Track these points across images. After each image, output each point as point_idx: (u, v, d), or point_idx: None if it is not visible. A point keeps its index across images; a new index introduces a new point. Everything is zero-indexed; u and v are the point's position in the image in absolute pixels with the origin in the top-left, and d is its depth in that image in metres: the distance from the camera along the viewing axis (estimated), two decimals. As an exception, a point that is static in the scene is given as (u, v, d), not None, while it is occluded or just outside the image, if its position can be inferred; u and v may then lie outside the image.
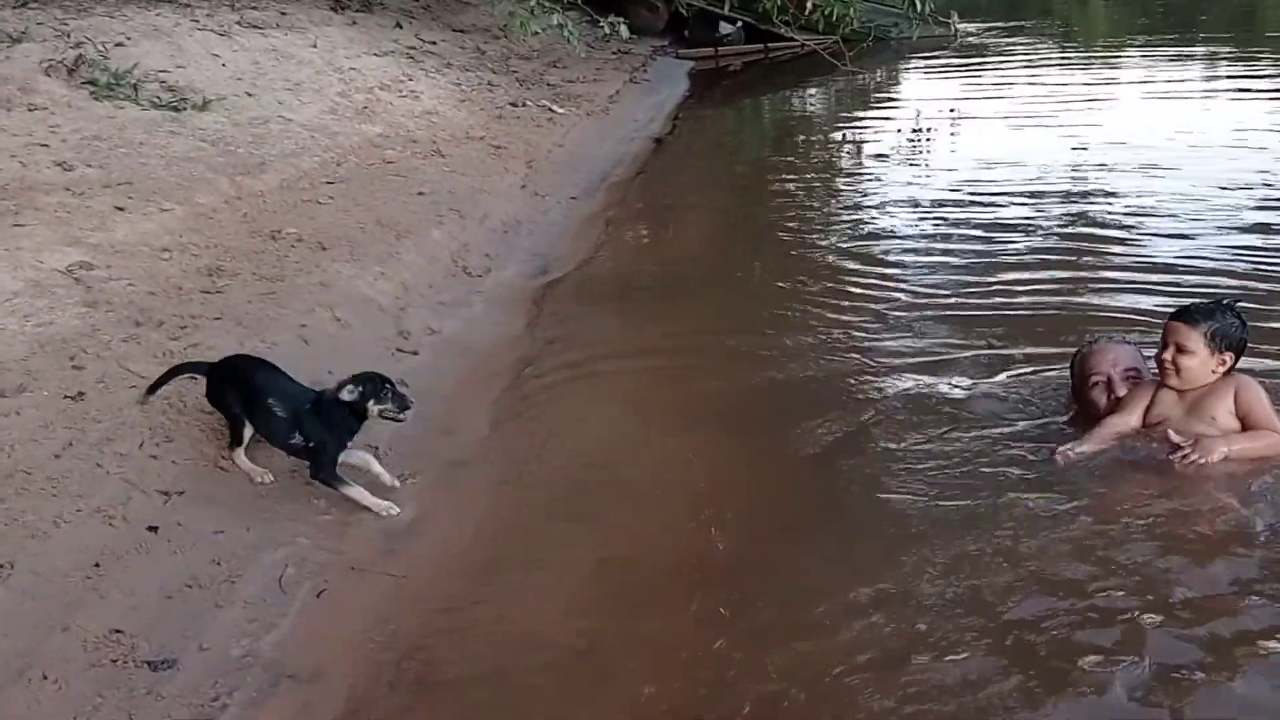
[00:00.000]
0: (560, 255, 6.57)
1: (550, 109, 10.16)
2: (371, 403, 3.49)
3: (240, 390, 3.56)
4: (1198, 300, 3.74)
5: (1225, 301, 3.61)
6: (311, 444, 3.49)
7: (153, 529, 3.16)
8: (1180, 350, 3.49)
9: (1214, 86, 11.91)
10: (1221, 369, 3.49)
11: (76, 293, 4.42)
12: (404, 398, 3.57)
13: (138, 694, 2.63)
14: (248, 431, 3.56)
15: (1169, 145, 8.40)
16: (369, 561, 3.30)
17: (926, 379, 4.33)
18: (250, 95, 7.92)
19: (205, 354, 4.13)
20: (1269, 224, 6.13)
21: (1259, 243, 5.79)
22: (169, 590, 2.98)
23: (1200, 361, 3.48)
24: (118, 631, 2.78)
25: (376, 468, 3.64)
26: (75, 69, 6.99)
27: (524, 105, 10.13)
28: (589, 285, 6.05)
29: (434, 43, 11.67)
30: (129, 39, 7.72)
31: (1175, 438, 3.39)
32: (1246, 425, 3.42)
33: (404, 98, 9.21)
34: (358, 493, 3.49)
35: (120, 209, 5.33)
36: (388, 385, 3.54)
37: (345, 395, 3.47)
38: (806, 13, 13.62)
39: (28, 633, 2.69)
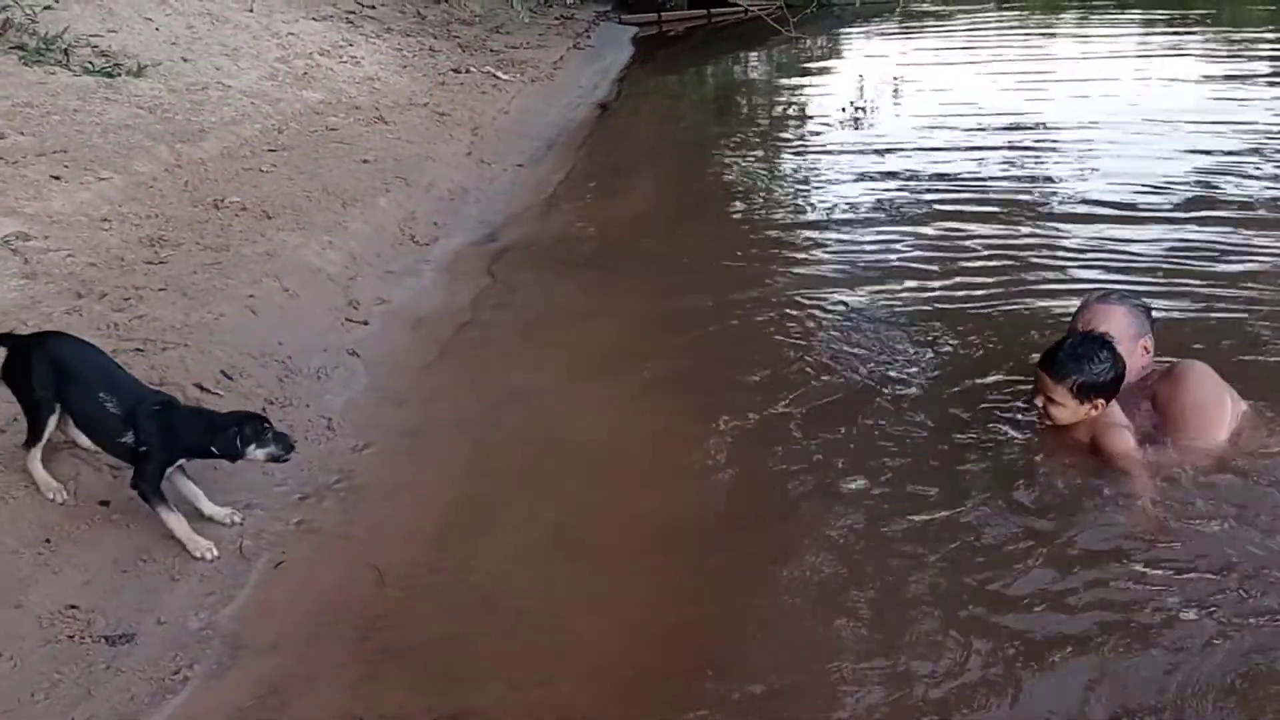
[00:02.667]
0: (508, 223, 6.53)
1: (494, 75, 10.06)
2: (252, 447, 3.05)
3: (60, 374, 3.03)
4: (1068, 342, 3.48)
5: (1097, 336, 3.42)
6: (144, 449, 2.99)
7: (104, 503, 3.12)
8: (1049, 400, 3.42)
9: (1149, 51, 12.10)
10: (1095, 412, 3.40)
11: (14, 264, 4.32)
12: (286, 438, 3.14)
13: (96, 669, 2.61)
14: (51, 424, 3.08)
15: (1106, 109, 8.53)
16: (326, 531, 3.28)
17: (868, 339, 4.43)
18: (186, 61, 7.74)
19: (150, 326, 4.08)
20: (1208, 196, 6.23)
21: (1200, 215, 5.86)
22: (123, 564, 2.95)
23: (1071, 411, 3.39)
24: (73, 607, 2.75)
25: (207, 506, 3.21)
26: (2, 33, 6.78)
27: (467, 71, 10.01)
28: (538, 253, 6.02)
29: (373, 7, 11.48)
30: (58, 2, 7.49)
31: None
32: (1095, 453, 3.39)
33: (344, 63, 9.06)
34: (176, 520, 3.02)
35: (56, 178, 5.19)
36: (267, 426, 3.10)
37: (220, 445, 3.03)
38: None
39: (-20, 610, 2.65)
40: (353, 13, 10.93)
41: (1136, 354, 3.53)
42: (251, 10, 9.36)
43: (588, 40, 13.45)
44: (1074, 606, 2.81)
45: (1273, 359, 4.05)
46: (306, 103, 7.68)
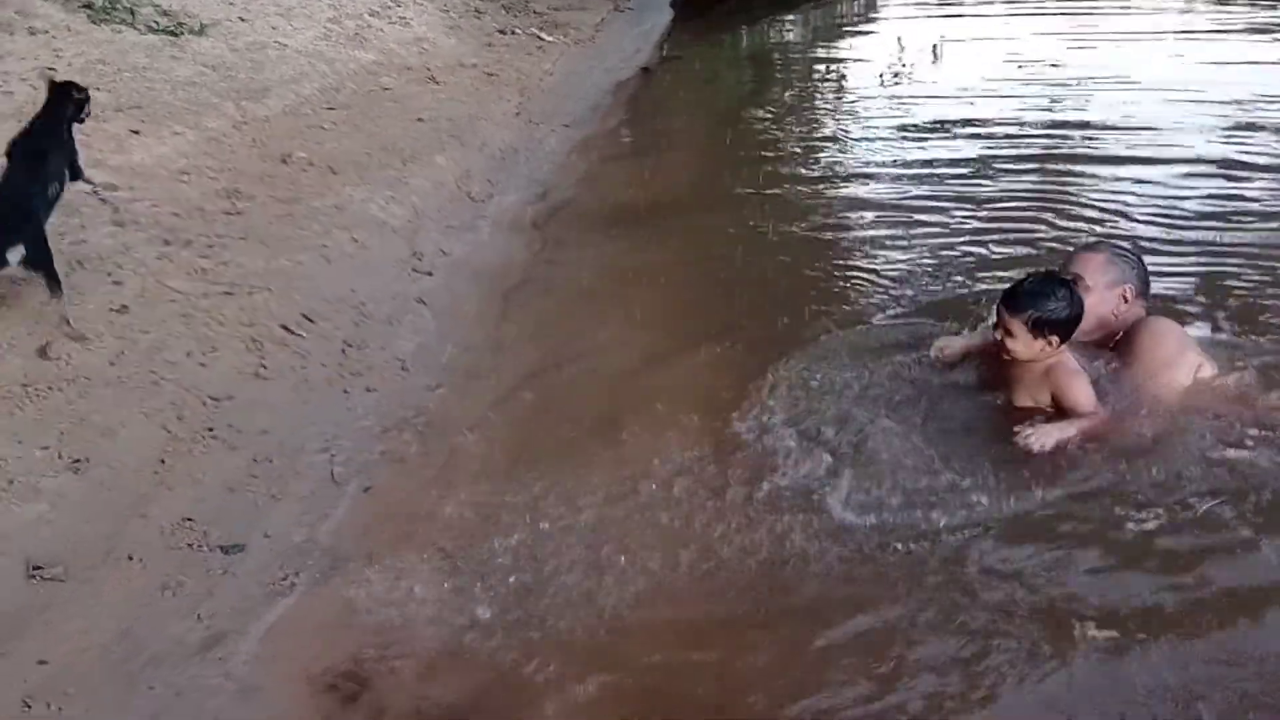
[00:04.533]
0: (558, 182, 6.74)
1: (539, 37, 10.24)
2: None
3: None
4: (1031, 275, 3.60)
5: (1051, 274, 3.53)
6: None
7: (209, 430, 3.40)
8: (1006, 333, 3.48)
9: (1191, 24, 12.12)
10: (1047, 349, 3.45)
11: (105, 213, 4.59)
12: None
13: (214, 573, 2.90)
14: None
15: (1148, 81, 8.62)
16: (408, 460, 3.56)
17: (919, 294, 4.64)
18: (244, 20, 7.97)
19: (235, 271, 4.35)
20: (1239, 162, 6.37)
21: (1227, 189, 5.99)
22: (230, 484, 3.24)
23: (1024, 344, 3.45)
24: (189, 520, 3.04)
25: None
26: (70, -9, 7.04)
27: (513, 33, 10.20)
28: (588, 211, 6.24)
29: (419, -32, 11.66)
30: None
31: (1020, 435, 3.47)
32: (1058, 407, 3.48)
33: (394, 24, 9.26)
34: None
35: (135, 132, 5.47)
36: None
37: None
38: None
39: (110, 519, 2.95)
40: (399, -26, 11.12)
41: (1111, 300, 3.66)
42: (302, -29, 9.57)
43: (627, 3, 13.55)
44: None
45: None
46: (360, 62, 7.91)
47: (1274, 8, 11.66)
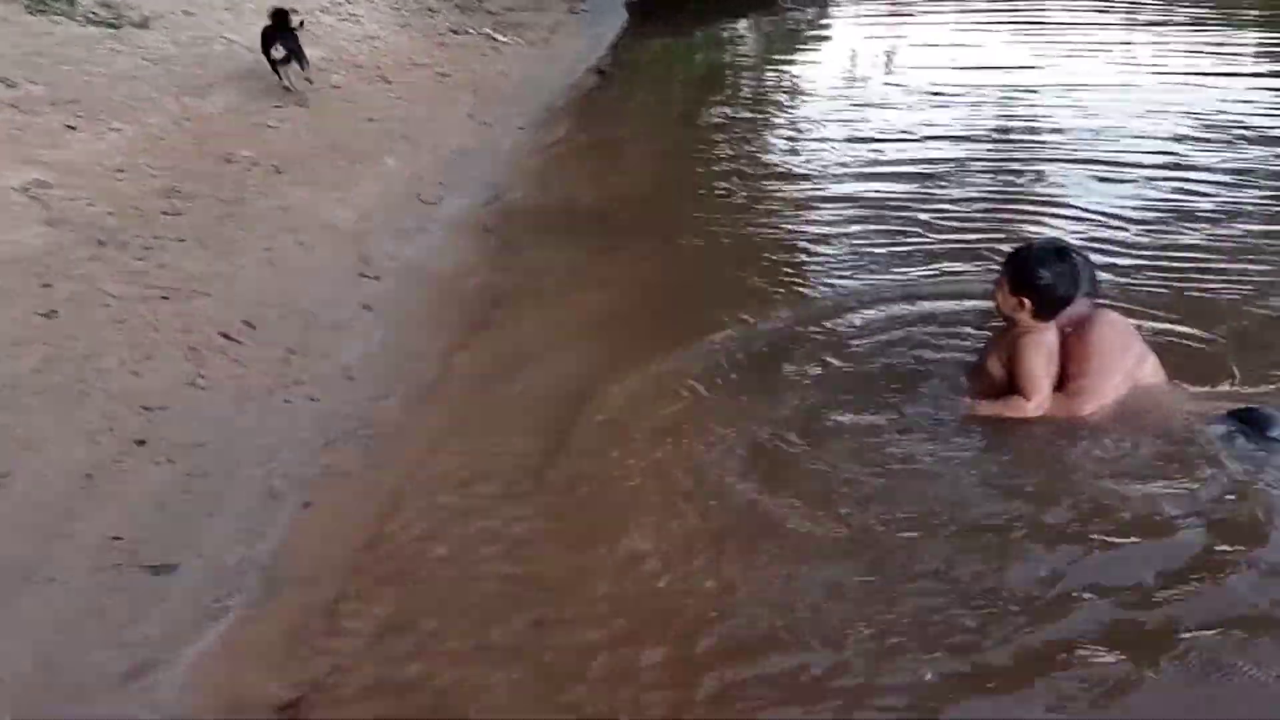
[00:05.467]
0: (511, 184, 6.61)
1: (492, 37, 10.11)
2: None
3: None
4: (1048, 241, 3.75)
5: (1063, 249, 3.57)
6: None
7: (140, 442, 3.24)
8: (998, 283, 3.56)
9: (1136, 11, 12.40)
10: (1021, 312, 3.50)
11: (36, 212, 4.42)
12: None
13: (142, 596, 2.74)
14: None
15: (1096, 85, 8.71)
16: (352, 475, 3.42)
17: (859, 311, 4.51)
18: (189, 14, 7.78)
19: (173, 275, 4.18)
20: (1185, 171, 6.43)
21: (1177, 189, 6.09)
22: (162, 500, 3.09)
23: (1003, 297, 3.52)
24: (117, 539, 2.88)
25: None
26: (7, -20, 6.80)
27: (466, 33, 10.06)
28: (541, 216, 6.12)
29: (371, -35, 11.47)
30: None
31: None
32: (1010, 379, 3.53)
33: (345, 21, 9.09)
34: None
35: (71, 127, 5.29)
36: None
37: None
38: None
39: (32, 539, 2.79)
40: (350, -30, 10.92)
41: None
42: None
43: (582, 4, 13.44)
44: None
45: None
46: (310, 59, 7.71)
47: (1203, 28, 11.89)
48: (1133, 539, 2.95)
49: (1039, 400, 3.49)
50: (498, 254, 5.47)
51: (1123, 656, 2.55)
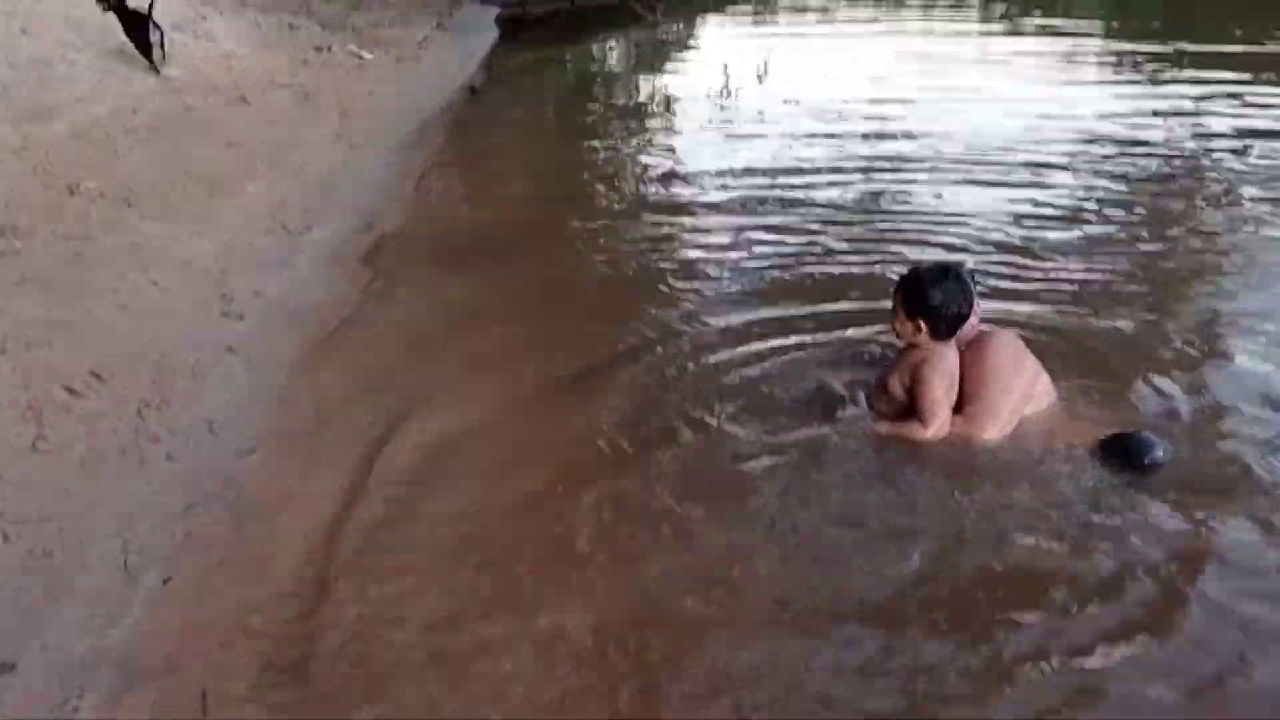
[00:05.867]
0: (383, 210, 6.33)
1: (358, 55, 9.76)
2: None
3: None
4: (929, 264, 3.83)
5: (949, 268, 3.62)
6: None
7: (-29, 521, 2.89)
8: (893, 311, 3.61)
9: (991, 23, 12.85)
10: (920, 335, 3.55)
11: None
12: None
13: (-26, 703, 2.42)
14: None
15: (956, 98, 8.91)
16: (216, 543, 3.13)
17: (747, 333, 4.45)
18: (25, 34, 7.25)
19: (9, 323, 3.81)
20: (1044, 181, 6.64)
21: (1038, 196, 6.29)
22: (-3, 587, 2.75)
23: (900, 324, 3.59)
24: (-57, 636, 2.55)
25: None
26: None
27: (330, 50, 9.69)
28: (416, 242, 5.87)
29: (227, -21, 10.98)
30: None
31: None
32: (910, 402, 3.55)
33: (199, 39, 8.65)
34: None
35: (-111, 161, 4.81)
36: None
37: None
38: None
39: None
40: (205, -16, 10.43)
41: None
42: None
43: (450, 20, 13.18)
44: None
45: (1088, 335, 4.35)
46: (161, 80, 7.29)
47: (1063, 36, 12.37)
48: (1018, 570, 2.96)
49: (936, 426, 3.49)
50: (372, 285, 5.19)
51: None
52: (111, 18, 7.73)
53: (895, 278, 3.90)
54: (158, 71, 7.46)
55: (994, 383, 3.53)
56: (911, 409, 3.53)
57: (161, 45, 7.56)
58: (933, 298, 3.49)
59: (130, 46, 7.48)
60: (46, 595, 2.78)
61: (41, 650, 2.61)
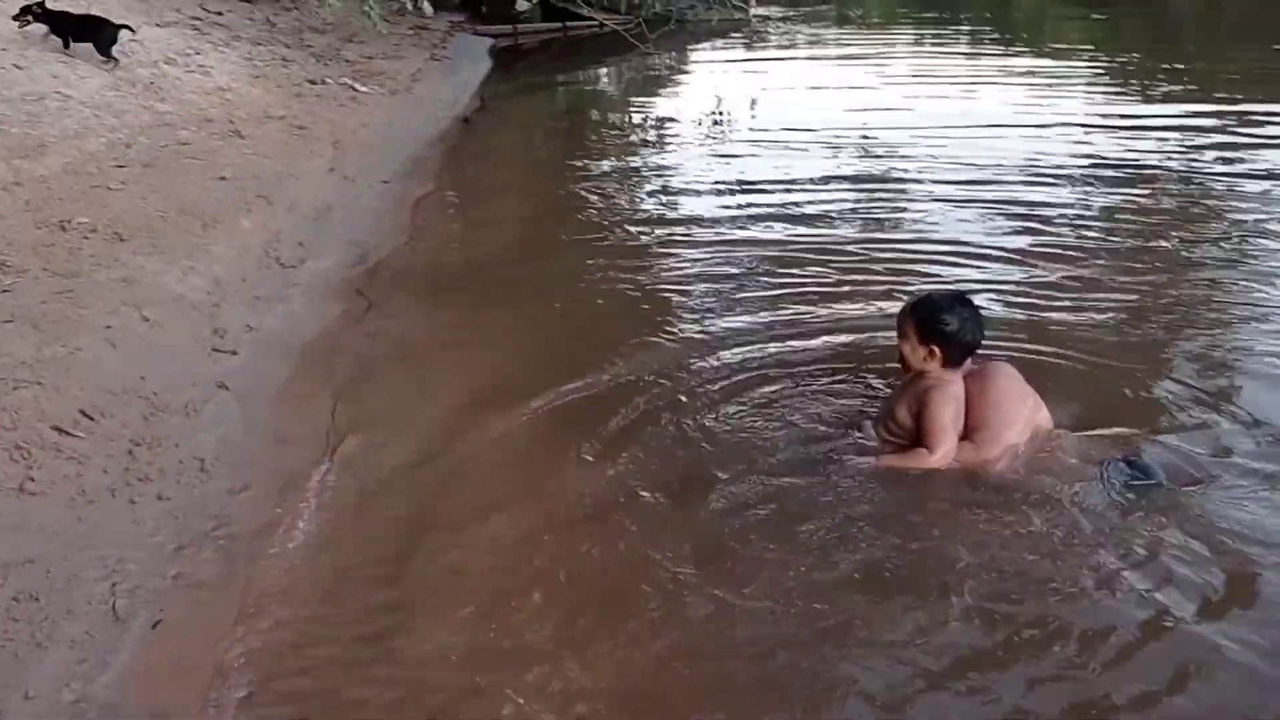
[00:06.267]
0: (377, 242, 6.30)
1: (352, 87, 9.76)
2: None
3: None
4: (941, 290, 3.86)
5: (963, 296, 3.64)
6: None
7: (-44, 565, 2.83)
8: (901, 333, 3.58)
9: (978, 56, 12.94)
10: (932, 362, 3.53)
11: None
12: None
13: (-43, 755, 2.36)
14: None
15: (947, 125, 8.92)
16: (207, 584, 3.07)
17: (738, 361, 4.42)
18: (19, 68, 7.23)
19: (-2, 362, 3.76)
20: (1039, 200, 6.67)
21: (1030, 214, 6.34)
22: (-19, 634, 2.69)
23: (910, 349, 3.55)
24: (-75, 686, 2.48)
25: None
26: None
27: (324, 83, 9.69)
28: (410, 275, 5.83)
29: (219, 13, 11.01)
30: None
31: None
32: (917, 430, 3.51)
33: (193, 73, 8.63)
34: None
35: (-121, 197, 4.77)
36: None
37: None
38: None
39: None
40: (198, 19, 10.45)
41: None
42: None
43: (444, 51, 13.21)
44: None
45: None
46: (155, 114, 7.28)
47: (1049, 56, 12.43)
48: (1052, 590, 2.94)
49: (943, 453, 3.45)
50: (366, 319, 5.16)
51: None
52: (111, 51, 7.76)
53: (889, 306, 3.90)
54: (116, 62, 7.89)
55: (1001, 411, 3.52)
56: (917, 437, 3.49)
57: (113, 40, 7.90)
58: (949, 323, 3.48)
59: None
60: (32, 641, 2.71)
61: (26, 699, 2.55)
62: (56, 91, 7.02)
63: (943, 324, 3.47)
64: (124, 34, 8.03)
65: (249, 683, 2.71)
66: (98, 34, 7.82)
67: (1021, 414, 3.55)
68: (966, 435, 3.50)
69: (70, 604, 2.87)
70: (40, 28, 7.71)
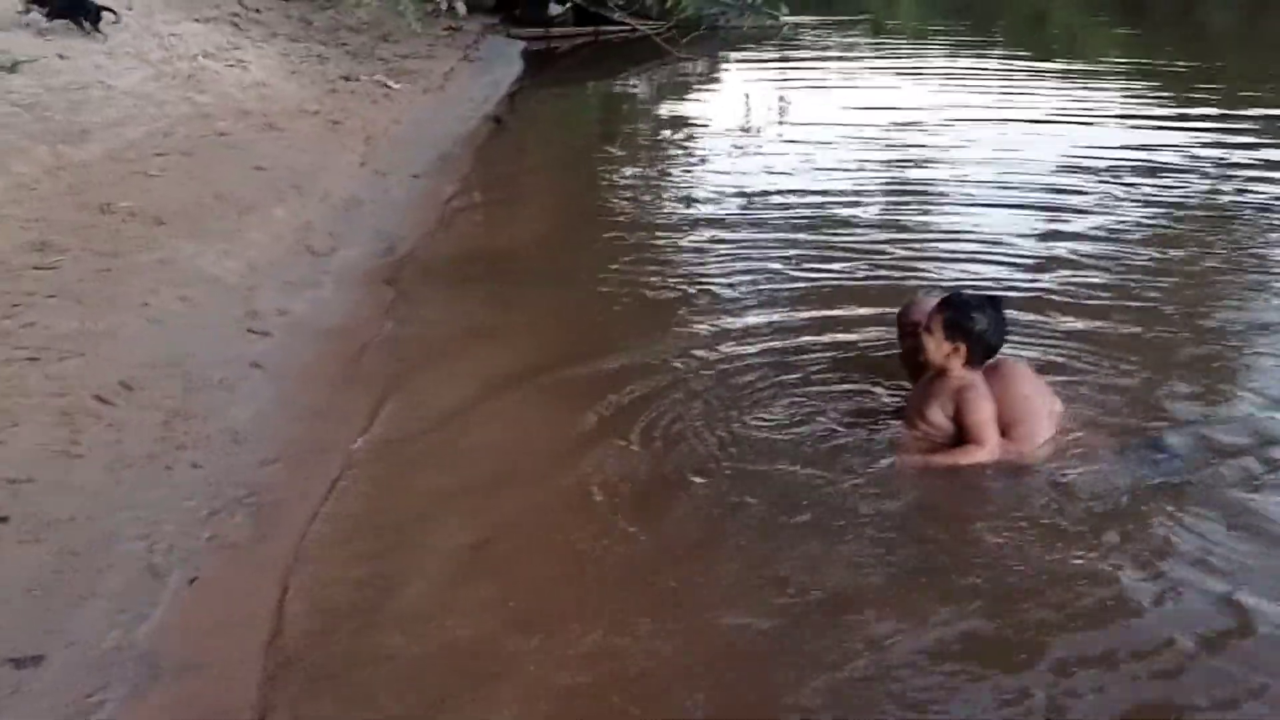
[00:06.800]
0: (406, 235, 6.44)
1: (385, 85, 9.94)
2: None
3: None
4: (970, 291, 3.95)
5: (994, 298, 3.68)
6: None
7: (3, 519, 2.98)
8: (926, 328, 3.62)
9: (1010, 68, 12.97)
10: (955, 359, 3.57)
11: (-111, 265, 4.10)
12: None
13: (2, 693, 2.49)
14: None
15: (977, 132, 8.99)
16: (239, 546, 3.20)
17: (760, 355, 4.51)
18: (63, 58, 7.44)
19: (44, 334, 3.91)
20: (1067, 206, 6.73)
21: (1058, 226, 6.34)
22: (27, 582, 2.82)
23: (934, 344, 3.58)
24: (-25, 629, 2.62)
25: None
26: None
27: (358, 80, 9.87)
28: (438, 266, 5.96)
29: (258, 10, 11.23)
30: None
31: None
32: (958, 429, 3.58)
33: (231, 67, 8.83)
34: None
35: (-69, 177, 4.95)
36: None
37: None
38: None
39: (-124, 632, 2.51)
40: (236, 15, 10.67)
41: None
42: (130, 9, 9.04)
43: (477, 52, 13.38)
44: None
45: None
46: (194, 106, 7.47)
47: (1081, 68, 12.43)
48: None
49: (992, 446, 3.54)
50: (393, 307, 5.28)
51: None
52: (153, 44, 7.96)
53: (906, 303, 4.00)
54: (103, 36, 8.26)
55: (1032, 406, 3.63)
56: (954, 436, 3.57)
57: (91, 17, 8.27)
58: (978, 323, 3.54)
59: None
60: (74, 593, 2.85)
61: (68, 646, 2.68)
62: (99, 81, 7.22)
63: (972, 323, 3.53)
64: (107, 16, 8.39)
65: (279, 638, 2.83)
66: (74, 10, 8.16)
67: (1047, 407, 3.67)
68: (1003, 432, 3.58)
69: (110, 560, 3.00)
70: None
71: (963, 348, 3.56)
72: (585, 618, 2.93)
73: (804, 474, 3.55)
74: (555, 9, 15.82)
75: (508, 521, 3.41)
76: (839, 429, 3.82)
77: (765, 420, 3.93)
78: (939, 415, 3.61)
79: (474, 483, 3.65)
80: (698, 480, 3.55)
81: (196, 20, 9.71)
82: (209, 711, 2.59)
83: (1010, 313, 3.84)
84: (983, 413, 3.54)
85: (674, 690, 2.65)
